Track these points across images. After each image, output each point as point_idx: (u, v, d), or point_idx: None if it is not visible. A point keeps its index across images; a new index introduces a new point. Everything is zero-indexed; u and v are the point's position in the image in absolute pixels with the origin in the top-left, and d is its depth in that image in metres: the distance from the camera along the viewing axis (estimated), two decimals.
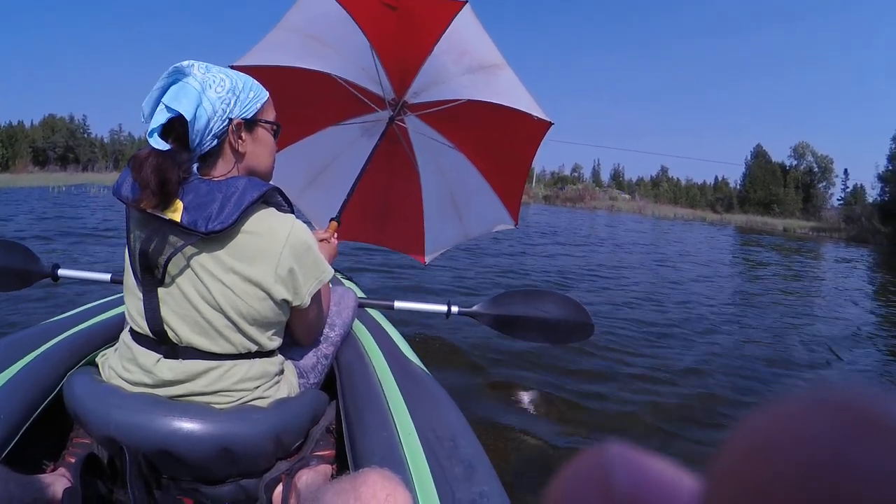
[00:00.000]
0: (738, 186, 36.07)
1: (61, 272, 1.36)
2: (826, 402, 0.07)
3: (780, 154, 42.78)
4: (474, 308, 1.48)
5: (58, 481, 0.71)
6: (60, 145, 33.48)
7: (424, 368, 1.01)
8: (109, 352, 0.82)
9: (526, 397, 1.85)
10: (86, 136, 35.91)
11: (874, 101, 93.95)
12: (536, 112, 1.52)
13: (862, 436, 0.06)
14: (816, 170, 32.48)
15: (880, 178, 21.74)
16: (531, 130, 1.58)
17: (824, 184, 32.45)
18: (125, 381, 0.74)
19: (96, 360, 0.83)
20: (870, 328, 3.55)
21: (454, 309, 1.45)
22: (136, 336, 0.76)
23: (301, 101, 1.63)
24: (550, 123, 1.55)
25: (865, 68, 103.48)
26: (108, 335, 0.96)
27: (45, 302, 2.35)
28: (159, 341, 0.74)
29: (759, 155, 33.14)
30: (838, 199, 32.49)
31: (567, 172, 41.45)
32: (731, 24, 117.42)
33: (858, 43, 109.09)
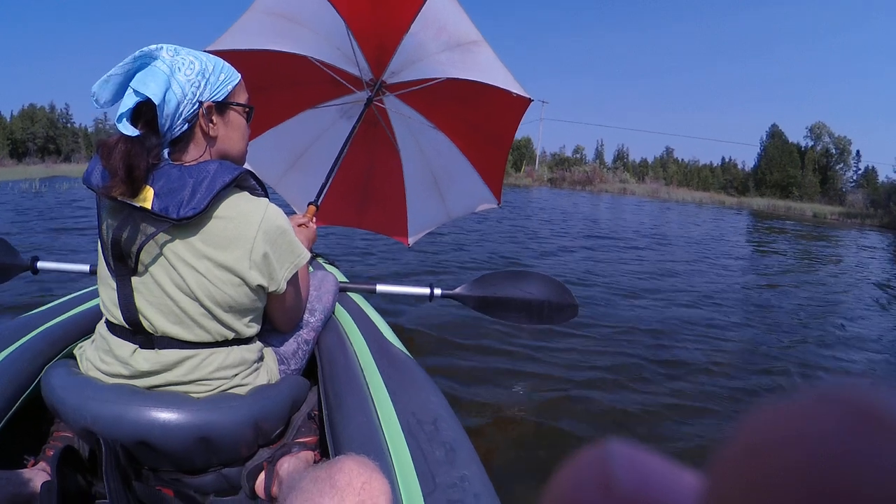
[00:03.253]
0: (748, 168, 35.10)
1: (40, 265, 1.35)
2: (830, 398, 0.07)
3: (794, 135, 41.22)
4: (457, 290, 1.48)
5: (38, 476, 0.70)
6: (40, 136, 32.11)
7: (406, 352, 1.00)
8: (87, 344, 0.81)
9: (510, 380, 1.85)
10: (68, 125, 34.62)
11: (883, 79, 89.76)
12: (515, 89, 1.50)
13: (867, 432, 0.06)
14: (834, 151, 31.32)
15: None
16: (510, 108, 1.56)
17: (841, 165, 31.26)
18: (102, 372, 0.74)
19: (74, 352, 0.82)
20: None
21: (437, 291, 1.45)
22: (112, 327, 0.75)
23: (277, 84, 1.62)
24: (529, 100, 1.53)
25: (877, 43, 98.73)
26: (86, 327, 0.95)
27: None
28: (135, 331, 0.73)
29: (774, 135, 31.97)
30: (850, 182, 31.36)
31: (569, 153, 39.70)
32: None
33: (862, 20, 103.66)
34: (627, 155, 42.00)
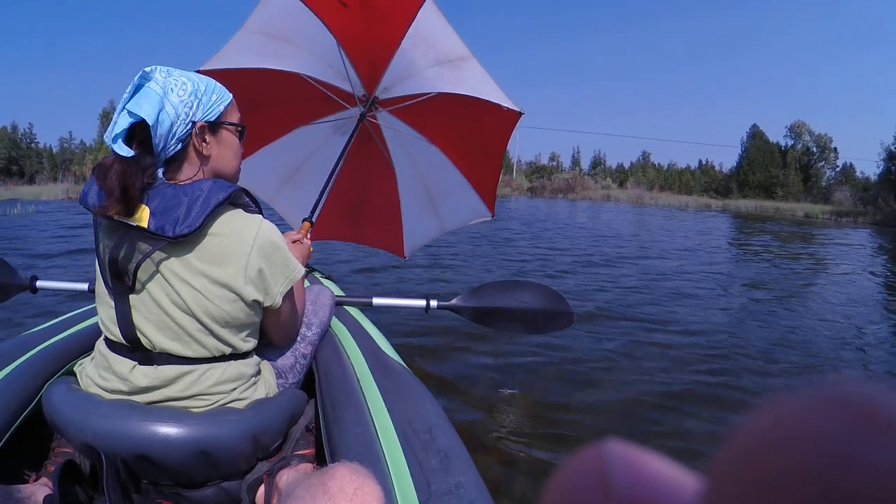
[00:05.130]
0: (725, 170, 34.98)
1: (39, 284, 1.36)
2: (831, 397, 0.07)
3: (774, 134, 41.61)
4: (453, 302, 1.49)
5: (39, 490, 0.71)
6: (2, 157, 30.43)
7: (403, 363, 1.02)
8: (87, 361, 0.82)
9: (505, 387, 1.86)
10: (32, 146, 33.04)
11: (855, 75, 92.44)
12: (506, 102, 1.53)
13: (868, 432, 0.06)
14: (815, 149, 31.50)
15: (891, 154, 20.57)
16: (501, 121, 1.59)
17: (822, 163, 31.50)
18: (102, 388, 0.75)
19: (74, 369, 0.83)
20: None
21: (433, 303, 1.46)
22: (111, 344, 0.76)
23: (271, 102, 1.64)
24: (520, 113, 1.56)
25: (845, 39, 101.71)
26: (86, 344, 0.96)
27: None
28: (133, 348, 0.74)
29: (755, 135, 31.81)
30: (830, 180, 31.15)
31: (544, 161, 39.17)
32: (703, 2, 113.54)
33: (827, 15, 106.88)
34: (605, 161, 41.65)
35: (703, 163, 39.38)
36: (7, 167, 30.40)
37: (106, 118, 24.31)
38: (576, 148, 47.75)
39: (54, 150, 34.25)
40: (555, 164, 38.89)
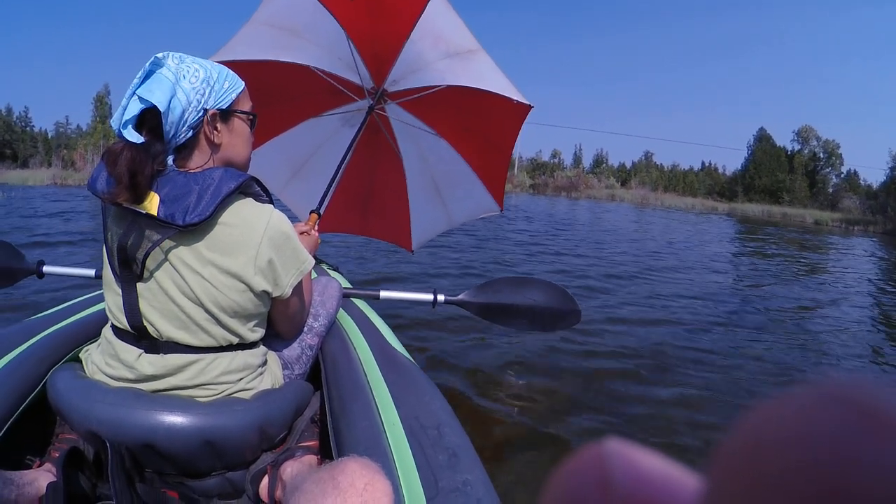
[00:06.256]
0: (728, 172, 34.54)
1: (46, 269, 1.35)
2: (831, 395, 0.07)
3: (780, 138, 41.14)
4: (461, 297, 1.48)
5: (42, 476, 0.71)
6: None
7: (410, 358, 1.01)
8: (92, 347, 0.82)
9: (513, 384, 1.86)
10: (27, 129, 31.72)
11: (859, 81, 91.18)
12: (515, 95, 1.51)
13: (868, 431, 0.06)
14: (822, 155, 30.73)
15: None
16: (511, 114, 1.58)
17: (829, 170, 30.63)
18: (108, 376, 0.74)
19: (80, 356, 0.83)
20: None
21: (440, 298, 1.46)
22: (118, 331, 0.76)
23: (280, 94, 1.63)
24: (530, 106, 1.55)
25: (846, 44, 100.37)
26: (92, 331, 0.96)
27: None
28: (140, 336, 0.74)
29: (762, 139, 30.97)
30: (834, 185, 30.66)
31: (545, 158, 37.94)
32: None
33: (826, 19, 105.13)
34: (607, 159, 40.56)
35: (706, 164, 38.82)
36: (1, 150, 29.43)
37: (100, 102, 24.10)
38: (578, 146, 45.68)
39: (50, 135, 33.13)
40: (556, 161, 37.95)
